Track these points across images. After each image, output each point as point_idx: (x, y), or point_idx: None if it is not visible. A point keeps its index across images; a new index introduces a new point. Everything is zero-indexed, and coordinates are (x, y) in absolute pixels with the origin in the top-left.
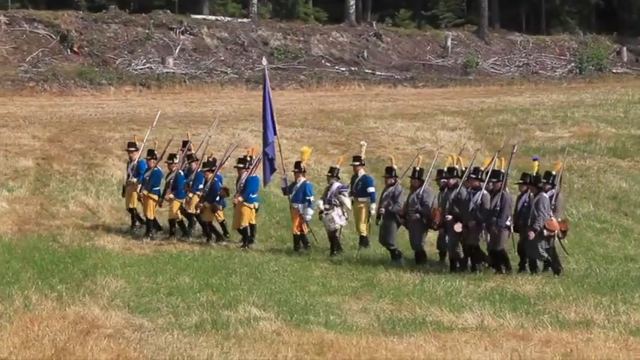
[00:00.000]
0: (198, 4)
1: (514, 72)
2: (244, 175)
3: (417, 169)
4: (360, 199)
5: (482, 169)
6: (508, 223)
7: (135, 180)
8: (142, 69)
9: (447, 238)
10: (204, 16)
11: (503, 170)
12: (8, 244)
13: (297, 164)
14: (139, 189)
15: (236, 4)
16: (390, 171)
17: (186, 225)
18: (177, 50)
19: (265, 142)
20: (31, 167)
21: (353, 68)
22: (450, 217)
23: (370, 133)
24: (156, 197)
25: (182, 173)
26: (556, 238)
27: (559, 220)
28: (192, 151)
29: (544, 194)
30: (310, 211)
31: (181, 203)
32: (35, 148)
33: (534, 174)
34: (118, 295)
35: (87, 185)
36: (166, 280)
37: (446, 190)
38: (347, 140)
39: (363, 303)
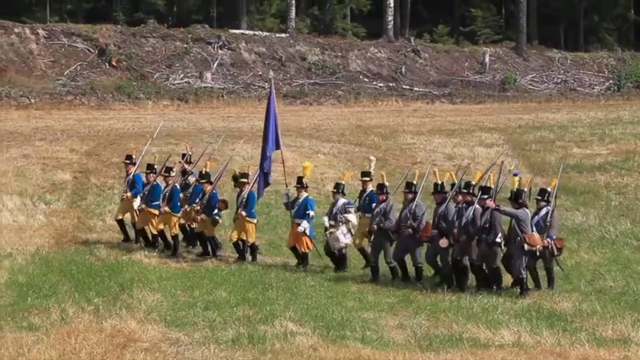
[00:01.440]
0: (236, 19)
1: (552, 89)
2: (246, 189)
3: (414, 183)
4: (367, 214)
5: (474, 183)
6: (498, 240)
7: (129, 194)
8: (179, 83)
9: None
10: (242, 31)
11: (493, 186)
12: (45, 257)
13: (300, 179)
14: (137, 203)
15: (274, 19)
16: (381, 187)
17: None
18: (215, 65)
19: (263, 156)
20: (69, 180)
21: (391, 84)
22: (435, 231)
23: (407, 149)
24: (156, 212)
25: (178, 187)
26: (550, 255)
27: (554, 237)
28: (189, 166)
29: (525, 210)
30: (305, 224)
31: (179, 218)
32: (73, 161)
33: (514, 189)
34: (155, 308)
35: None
36: (203, 294)
37: (442, 205)
38: (384, 156)
39: (399, 319)
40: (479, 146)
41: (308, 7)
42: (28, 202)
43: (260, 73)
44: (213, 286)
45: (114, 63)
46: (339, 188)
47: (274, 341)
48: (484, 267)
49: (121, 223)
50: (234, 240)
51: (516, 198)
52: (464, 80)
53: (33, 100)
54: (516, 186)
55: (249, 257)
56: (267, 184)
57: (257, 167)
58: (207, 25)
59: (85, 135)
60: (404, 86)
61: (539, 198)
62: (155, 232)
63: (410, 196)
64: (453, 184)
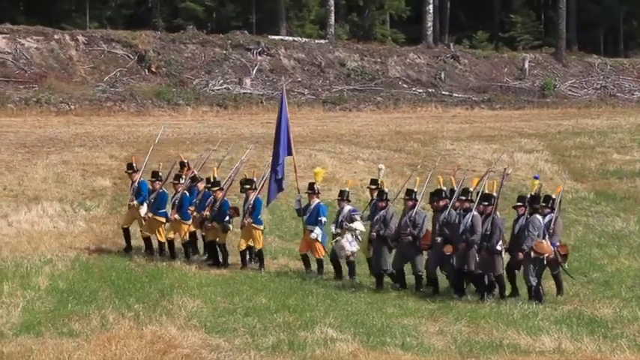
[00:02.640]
0: (275, 25)
1: (592, 94)
2: (252, 196)
3: (414, 190)
4: None
5: (472, 189)
6: (499, 247)
7: (135, 202)
8: (219, 89)
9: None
10: (281, 37)
11: (494, 194)
12: (86, 264)
13: (311, 185)
14: (144, 210)
15: (313, 25)
16: (381, 194)
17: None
18: (254, 71)
19: (276, 162)
20: (108, 187)
21: (430, 90)
22: (439, 239)
23: (447, 155)
24: (163, 219)
25: (187, 194)
26: (556, 262)
27: (558, 244)
28: (195, 172)
29: (537, 216)
30: (317, 230)
31: (189, 225)
32: (112, 167)
33: (532, 193)
34: (195, 315)
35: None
36: (243, 300)
37: (444, 212)
38: (423, 162)
39: (439, 325)
40: (518, 152)
41: (347, 13)
42: (68, 208)
43: (299, 79)
44: (253, 292)
45: (153, 69)
46: (343, 195)
47: (314, 347)
48: (484, 275)
49: (126, 231)
50: (243, 248)
51: (532, 202)
52: (503, 86)
53: (72, 107)
54: (535, 190)
55: (254, 264)
56: (280, 189)
57: (263, 173)
58: (246, 32)
59: (124, 141)
60: (443, 92)
61: (544, 205)
62: (162, 240)
63: (410, 203)
64: (452, 190)
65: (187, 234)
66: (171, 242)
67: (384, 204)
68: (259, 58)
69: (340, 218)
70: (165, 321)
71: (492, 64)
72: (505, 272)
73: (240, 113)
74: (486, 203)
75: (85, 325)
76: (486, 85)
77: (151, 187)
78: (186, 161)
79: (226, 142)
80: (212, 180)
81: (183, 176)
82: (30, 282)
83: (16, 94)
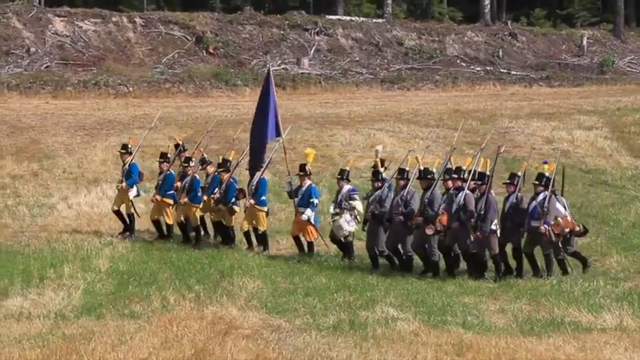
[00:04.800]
0: (333, 5)
1: None
2: (256, 177)
3: (406, 169)
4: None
5: (465, 168)
6: (494, 227)
7: (124, 184)
8: (276, 70)
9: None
10: (338, 17)
11: (488, 172)
12: (145, 245)
13: (302, 167)
14: (133, 193)
15: (370, 4)
16: (376, 174)
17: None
18: (312, 51)
19: (259, 142)
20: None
21: (488, 68)
22: (421, 218)
23: (506, 132)
24: (171, 201)
25: (197, 177)
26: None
27: (552, 222)
28: (205, 155)
29: (556, 196)
30: (309, 212)
31: (198, 208)
32: (171, 149)
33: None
34: (255, 295)
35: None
36: (303, 280)
37: (428, 191)
38: (482, 140)
39: (500, 303)
40: (577, 129)
41: None
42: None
43: (357, 58)
44: (313, 272)
45: (211, 50)
46: (343, 175)
47: (375, 327)
48: (480, 254)
49: (118, 213)
50: (245, 229)
51: (547, 185)
52: (561, 63)
53: (131, 89)
54: (546, 173)
55: (260, 247)
56: (256, 168)
57: (245, 151)
58: (303, 12)
59: (183, 123)
60: (501, 70)
61: (537, 183)
62: (170, 223)
63: (402, 182)
64: (455, 169)
65: (197, 217)
66: (182, 225)
67: (379, 184)
68: (317, 38)
69: (339, 198)
70: (225, 302)
71: (550, 42)
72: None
73: (298, 93)
74: (480, 182)
75: (146, 306)
76: (544, 63)
77: (159, 169)
78: (181, 142)
79: (285, 123)
80: (221, 162)
81: (193, 159)
82: (90, 264)
83: (75, 76)
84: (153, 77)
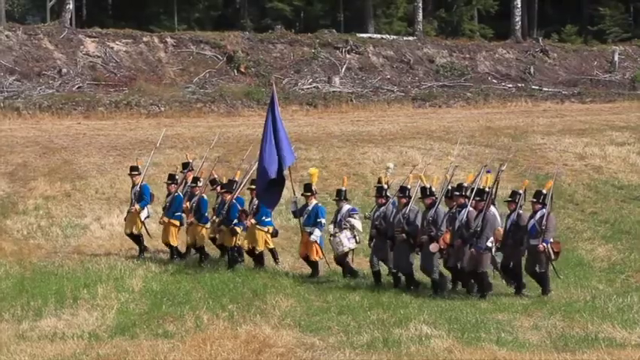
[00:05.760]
0: (363, 23)
1: None
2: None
3: (408, 187)
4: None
5: (466, 185)
6: (489, 244)
7: (137, 206)
8: (308, 88)
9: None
10: (369, 35)
11: (487, 189)
12: (178, 265)
13: (308, 187)
14: (144, 214)
15: (401, 22)
16: (380, 191)
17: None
18: (343, 69)
19: (273, 166)
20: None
21: (520, 84)
22: (425, 237)
23: (538, 149)
24: (177, 223)
25: (205, 197)
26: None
27: (551, 240)
28: (216, 175)
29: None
30: (317, 232)
31: (206, 229)
32: (203, 168)
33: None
34: (289, 314)
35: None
36: (336, 298)
37: (431, 209)
38: (514, 157)
39: (534, 320)
40: (610, 145)
41: (435, 9)
42: (160, 210)
43: (388, 76)
44: (346, 290)
45: (242, 69)
46: (341, 195)
47: (409, 344)
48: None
49: (132, 236)
50: (246, 249)
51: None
52: (593, 79)
53: (163, 109)
54: (544, 190)
55: (258, 267)
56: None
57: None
58: (334, 30)
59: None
60: (533, 86)
61: (535, 200)
62: (174, 245)
63: (404, 200)
64: (457, 186)
65: (205, 237)
66: (194, 246)
67: (383, 200)
68: (348, 56)
69: (339, 217)
70: (259, 320)
71: (582, 58)
72: (501, 271)
73: (329, 111)
74: (478, 199)
75: (180, 326)
76: (576, 79)
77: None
78: (190, 161)
79: (317, 141)
80: (223, 182)
81: (201, 179)
82: (124, 284)
83: (107, 97)
84: (184, 97)
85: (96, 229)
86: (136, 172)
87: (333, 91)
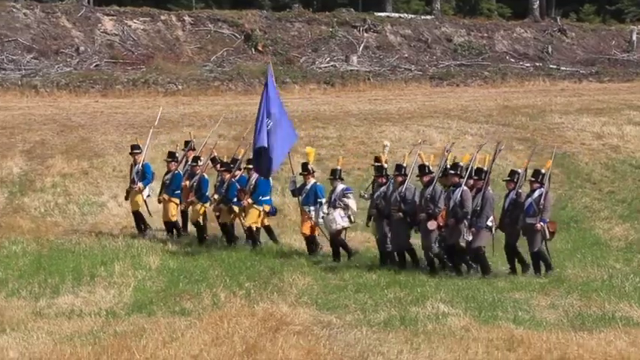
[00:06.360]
0: (381, 2)
1: None
2: (254, 176)
3: (404, 165)
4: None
5: (462, 164)
6: (489, 223)
7: (140, 184)
8: (325, 67)
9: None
10: (387, 14)
11: (485, 168)
12: (195, 243)
13: (305, 166)
14: (146, 193)
15: (419, 1)
16: (380, 170)
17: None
18: (360, 48)
19: (279, 145)
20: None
21: (537, 64)
22: (423, 215)
23: (555, 128)
24: (177, 201)
25: (206, 176)
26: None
27: (547, 220)
28: (215, 154)
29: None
30: (321, 214)
31: (206, 207)
32: (221, 146)
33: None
34: (306, 292)
35: (273, 183)
36: (353, 276)
37: (429, 187)
38: (532, 136)
39: (551, 299)
40: (627, 124)
41: None
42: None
43: (406, 55)
44: (363, 268)
45: (260, 48)
46: (335, 174)
47: (426, 322)
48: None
49: (136, 214)
50: (245, 227)
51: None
52: (611, 59)
53: (180, 87)
54: (542, 170)
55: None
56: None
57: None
58: (352, 9)
59: (232, 120)
60: (551, 66)
61: (533, 180)
62: (173, 220)
63: (400, 179)
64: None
65: (202, 216)
66: (197, 223)
67: (384, 180)
68: (365, 35)
69: (333, 197)
70: (276, 298)
71: (600, 37)
72: (505, 250)
73: (347, 90)
74: (477, 178)
75: (197, 303)
76: (594, 58)
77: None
78: (192, 140)
79: (334, 120)
80: (223, 161)
81: (202, 158)
82: (141, 262)
83: (124, 75)
84: (202, 75)
85: (113, 206)
86: (138, 151)
87: (351, 70)
